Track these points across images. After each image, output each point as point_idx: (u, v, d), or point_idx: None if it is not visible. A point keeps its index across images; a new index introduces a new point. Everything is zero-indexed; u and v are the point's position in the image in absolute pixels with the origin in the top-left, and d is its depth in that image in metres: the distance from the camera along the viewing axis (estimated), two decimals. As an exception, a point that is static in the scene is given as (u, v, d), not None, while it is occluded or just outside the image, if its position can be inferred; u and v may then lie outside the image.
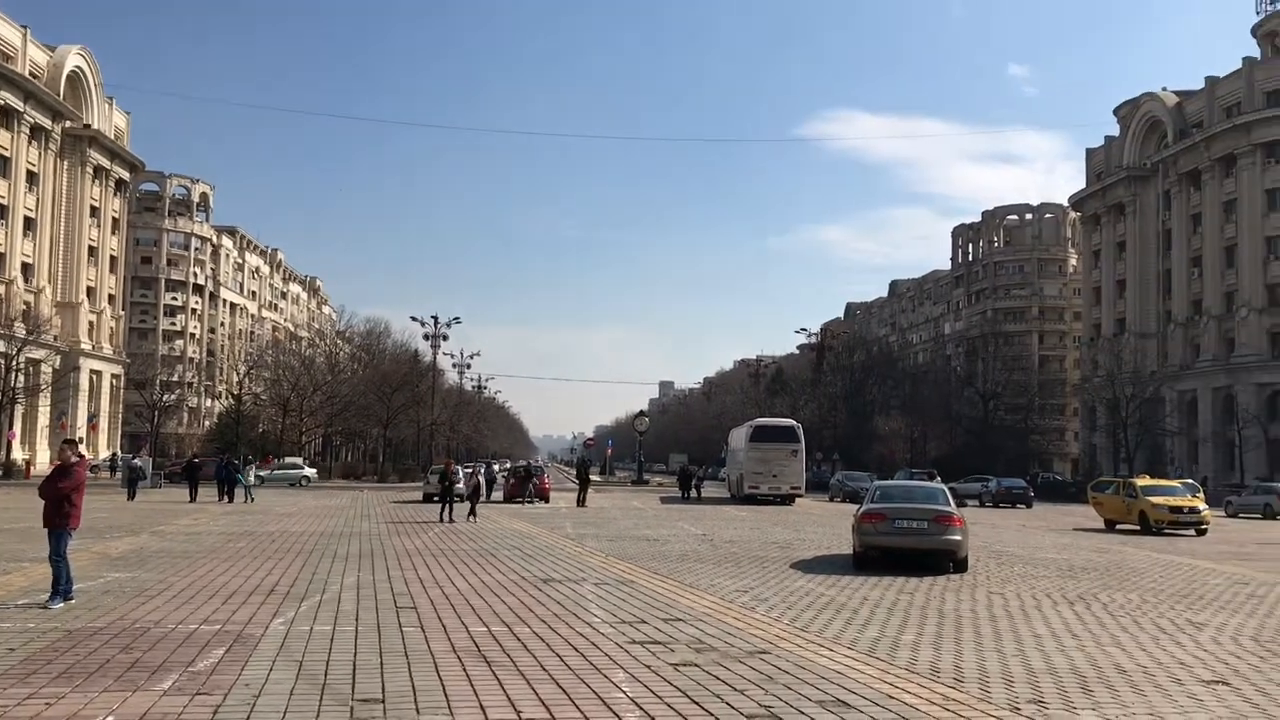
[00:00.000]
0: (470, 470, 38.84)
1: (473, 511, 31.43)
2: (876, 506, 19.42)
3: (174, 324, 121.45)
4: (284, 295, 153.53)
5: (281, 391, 78.90)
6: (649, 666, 9.48)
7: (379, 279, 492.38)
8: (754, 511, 40.28)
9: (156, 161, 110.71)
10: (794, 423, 51.77)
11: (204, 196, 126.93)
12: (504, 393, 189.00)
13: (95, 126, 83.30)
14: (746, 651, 10.31)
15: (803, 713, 7.89)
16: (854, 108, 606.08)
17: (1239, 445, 70.82)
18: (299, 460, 68.30)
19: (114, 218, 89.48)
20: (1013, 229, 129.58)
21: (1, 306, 68.42)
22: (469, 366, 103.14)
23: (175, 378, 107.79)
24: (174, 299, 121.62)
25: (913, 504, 19.51)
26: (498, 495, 46.06)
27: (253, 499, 41.35)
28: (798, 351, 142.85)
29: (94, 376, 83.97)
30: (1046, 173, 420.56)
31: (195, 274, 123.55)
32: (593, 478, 53.04)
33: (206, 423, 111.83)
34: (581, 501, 42.40)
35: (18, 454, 68.99)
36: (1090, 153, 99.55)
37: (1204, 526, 32.17)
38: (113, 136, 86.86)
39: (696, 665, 9.56)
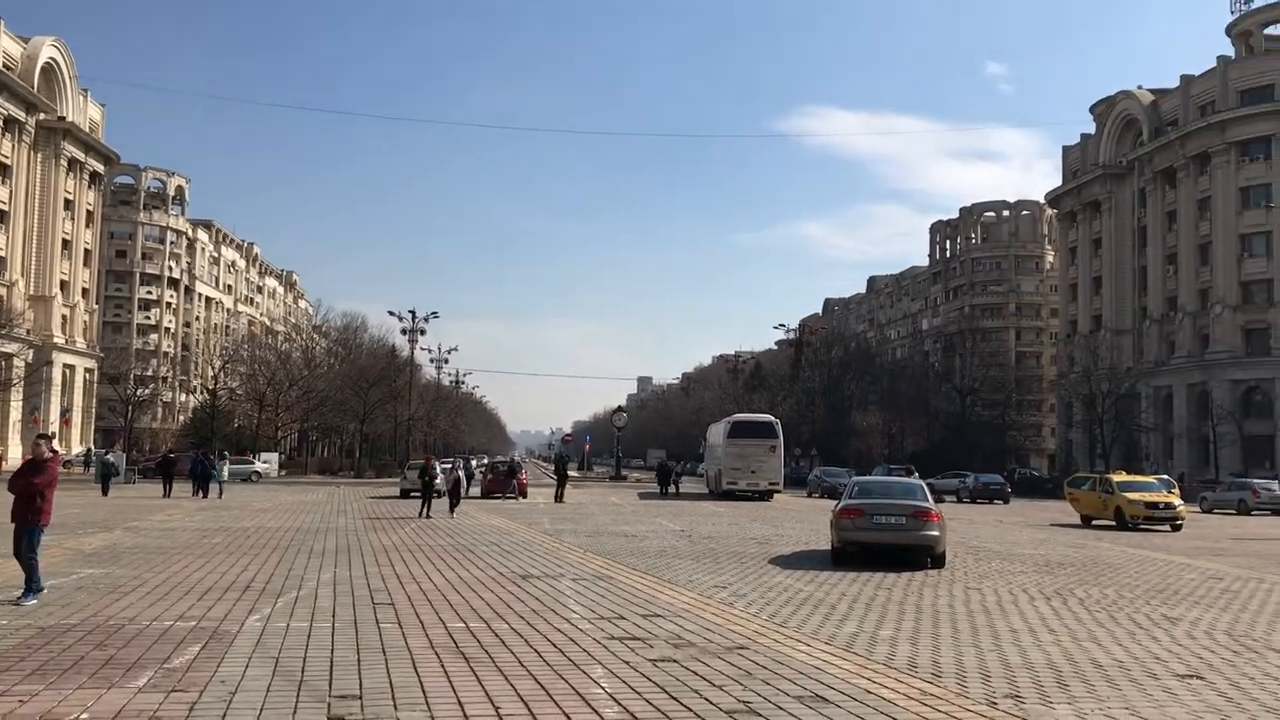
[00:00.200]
0: (450, 466, 38.76)
1: (454, 507, 31.33)
2: (855, 502, 19.47)
3: (149, 318, 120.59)
4: (260, 289, 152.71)
5: (257, 386, 78.48)
6: (627, 662, 9.48)
7: (356, 273, 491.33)
8: (732, 507, 40.34)
9: (131, 154, 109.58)
10: (772, 418, 51.87)
11: (179, 190, 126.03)
12: (481, 388, 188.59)
13: (70, 119, 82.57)
14: (725, 647, 10.32)
15: (781, 708, 7.91)
16: (833, 104, 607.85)
17: (1214, 441, 71.44)
18: (253, 455, 67.52)
19: (88, 211, 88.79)
20: (990, 226, 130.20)
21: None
22: (446, 361, 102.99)
23: (150, 372, 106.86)
24: (149, 293, 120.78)
25: (891, 499, 19.57)
26: (475, 491, 45.98)
27: (221, 494, 41.16)
28: (776, 347, 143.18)
29: (67, 371, 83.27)
30: (1024, 170, 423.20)
31: (170, 268, 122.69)
32: (571, 473, 52.97)
33: (181, 418, 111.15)
34: (559, 497, 42.38)
35: (-10, 449, 68.39)
36: (1066, 150, 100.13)
37: (1179, 522, 32.39)
38: (87, 129, 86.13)
39: (675, 661, 9.56)
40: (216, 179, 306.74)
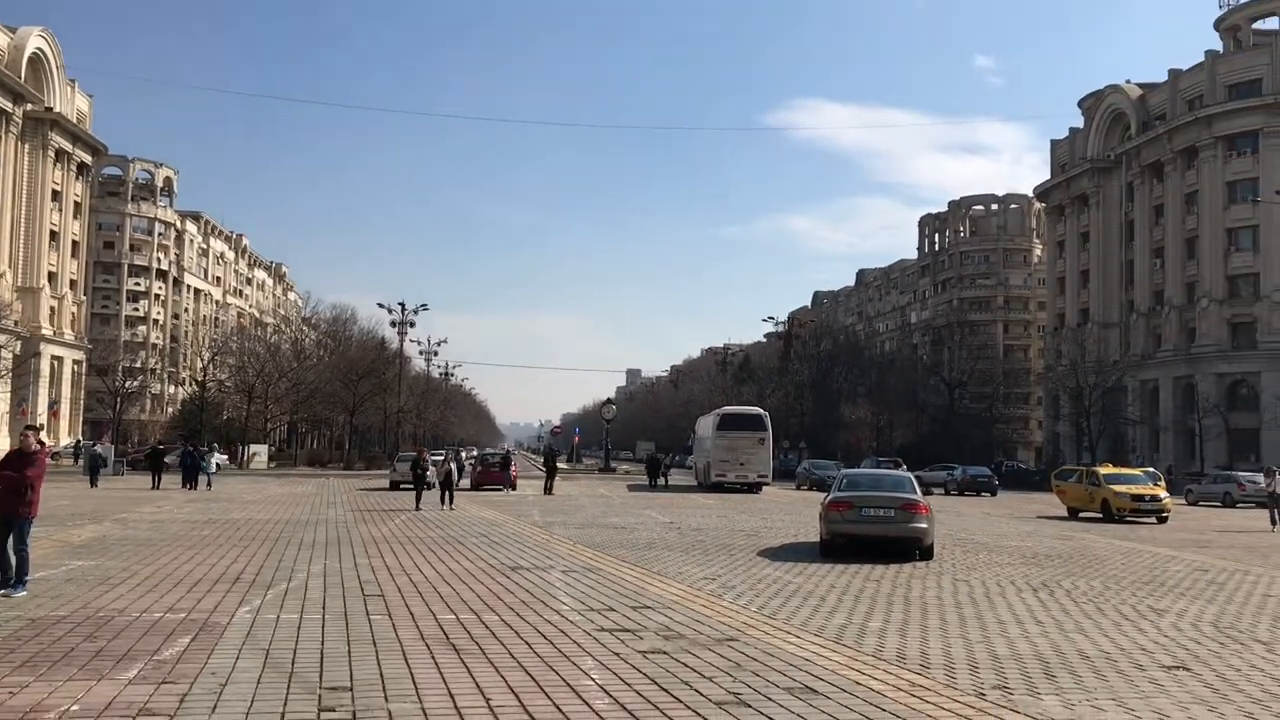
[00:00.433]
0: (442, 458, 38.76)
1: (448, 499, 31.24)
2: (844, 495, 19.52)
3: (137, 310, 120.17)
4: (249, 281, 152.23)
5: (246, 378, 78.31)
6: (617, 654, 9.50)
7: (345, 265, 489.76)
8: (721, 499, 40.40)
9: (119, 145, 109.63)
10: (761, 411, 51.95)
11: (167, 181, 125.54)
12: (471, 380, 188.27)
13: (57, 110, 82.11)
14: (715, 639, 10.35)
15: (771, 699, 7.93)
16: (820, 97, 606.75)
17: (1199, 434, 71.71)
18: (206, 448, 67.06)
19: (76, 202, 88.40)
20: (979, 219, 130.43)
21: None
22: (436, 353, 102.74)
23: (138, 364, 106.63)
24: (137, 284, 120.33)
25: (880, 492, 19.63)
26: (464, 483, 45.95)
27: (210, 486, 41.12)
28: (765, 340, 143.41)
29: (55, 362, 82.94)
30: (1012, 164, 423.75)
31: (159, 259, 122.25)
32: (560, 465, 53.02)
33: (170, 410, 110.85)
34: (549, 489, 42.42)
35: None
36: (1055, 144, 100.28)
37: (1165, 514, 32.56)
38: (75, 120, 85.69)
39: (665, 652, 9.58)
40: (200, 171, 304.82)
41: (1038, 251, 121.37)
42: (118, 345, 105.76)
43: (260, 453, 73.27)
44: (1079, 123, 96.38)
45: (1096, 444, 74.97)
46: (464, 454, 71.24)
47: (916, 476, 23.39)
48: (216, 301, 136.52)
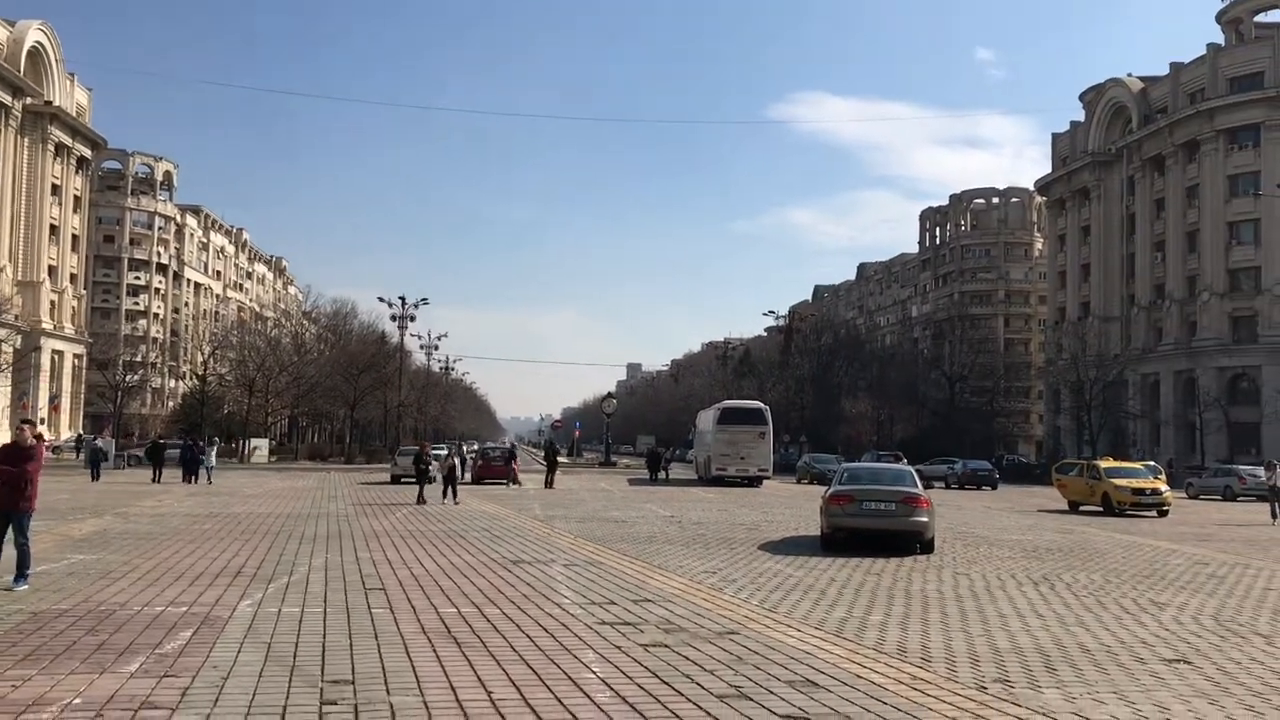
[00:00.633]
0: (446, 452, 38.83)
1: (453, 493, 31.24)
2: (844, 488, 19.52)
3: (137, 304, 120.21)
4: (249, 275, 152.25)
5: (247, 372, 78.25)
6: (619, 647, 9.52)
7: (345, 262, 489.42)
8: (722, 493, 40.43)
9: (119, 139, 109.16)
10: (761, 405, 51.92)
11: (167, 175, 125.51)
12: (471, 374, 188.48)
13: (56, 103, 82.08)
14: (716, 632, 10.36)
15: (772, 692, 7.95)
16: (821, 90, 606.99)
17: (1200, 428, 71.76)
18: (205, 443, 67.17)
19: (75, 196, 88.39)
20: (979, 213, 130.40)
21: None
22: (436, 348, 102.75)
23: (139, 358, 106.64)
24: (137, 278, 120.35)
25: (880, 486, 19.63)
26: (465, 477, 45.97)
27: (210, 480, 41.17)
28: (765, 334, 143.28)
29: (56, 357, 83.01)
30: (1014, 157, 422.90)
31: (159, 253, 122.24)
32: (560, 459, 53.02)
33: (170, 404, 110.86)
34: (549, 483, 42.42)
35: (-22, 435, 68.15)
36: (1056, 138, 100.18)
37: (1165, 508, 32.55)
38: (74, 113, 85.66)
39: (666, 646, 9.60)
40: (200, 167, 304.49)
41: (1039, 245, 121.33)
42: (118, 339, 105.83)
43: (261, 447, 73.26)
44: (1080, 116, 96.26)
45: (1097, 438, 74.98)
46: (465, 448, 71.30)
47: (917, 470, 23.38)
48: (217, 295, 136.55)
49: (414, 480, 33.57)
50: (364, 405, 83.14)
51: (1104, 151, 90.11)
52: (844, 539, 18.88)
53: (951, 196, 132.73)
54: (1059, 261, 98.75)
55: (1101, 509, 33.14)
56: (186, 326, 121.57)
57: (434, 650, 9.24)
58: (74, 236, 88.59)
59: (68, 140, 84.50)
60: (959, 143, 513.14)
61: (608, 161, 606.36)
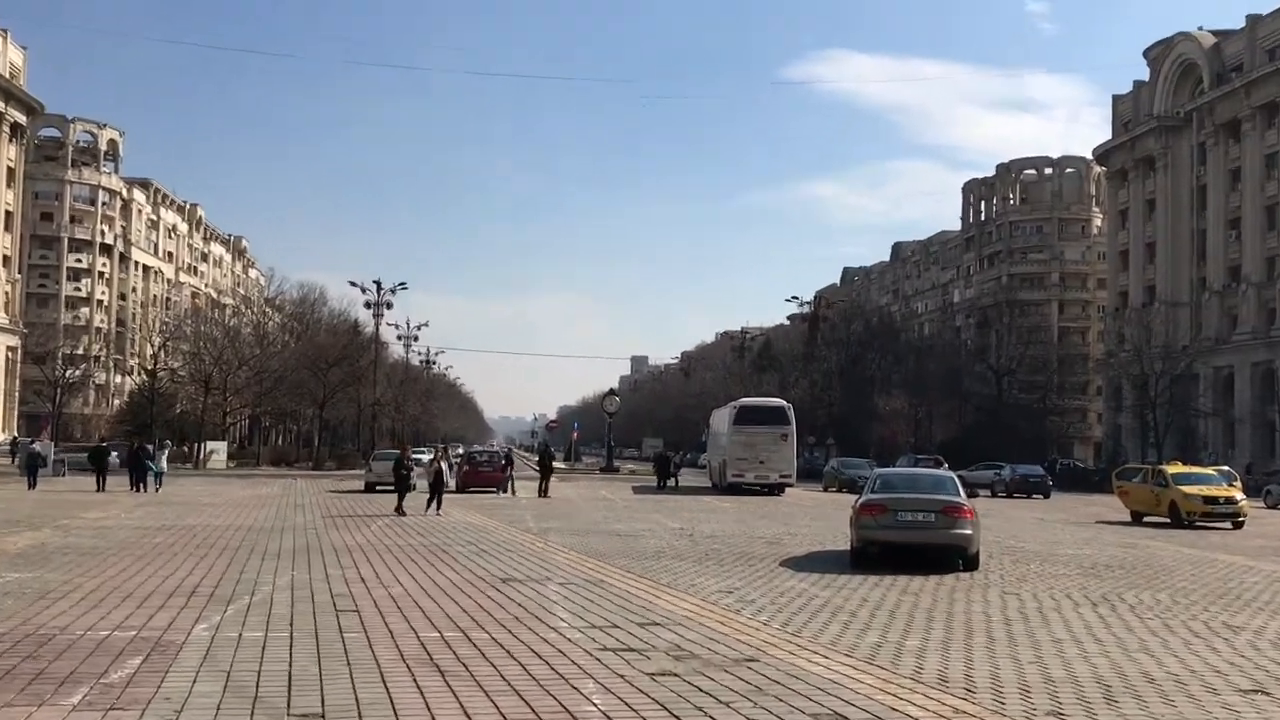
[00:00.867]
0: (431, 457, 38.93)
1: (437, 502, 31.27)
2: (877, 497, 19.56)
3: (79, 289, 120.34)
4: (205, 257, 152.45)
5: (202, 367, 78.38)
6: (622, 676, 9.53)
7: (314, 240, 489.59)
8: (739, 503, 40.49)
9: (58, 104, 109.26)
10: (783, 403, 51.96)
11: (112, 144, 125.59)
12: (455, 368, 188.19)
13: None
14: (732, 659, 10.38)
15: (796, 727, 7.96)
16: (849, 47, 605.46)
17: (1280, 428, 71.73)
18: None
19: (9, 167, 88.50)
20: (1030, 185, 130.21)
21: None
22: (416, 339, 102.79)
23: (80, 350, 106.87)
24: (78, 261, 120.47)
25: (918, 494, 19.67)
26: (450, 484, 46.04)
27: (159, 487, 41.27)
28: (788, 322, 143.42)
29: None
30: (1068, 122, 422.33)
31: (103, 232, 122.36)
32: (556, 465, 53.12)
33: (116, 402, 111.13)
34: (544, 491, 42.51)
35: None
36: (1117, 100, 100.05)
37: (1241, 519, 32.52)
38: (7, 75, 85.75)
39: (676, 675, 9.62)
40: (152, 134, 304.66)
41: (1097, 222, 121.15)
42: (57, 329, 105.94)
43: (218, 450, 73.46)
44: (1144, 75, 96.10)
45: (1163, 439, 74.94)
46: (452, 451, 71.47)
47: (959, 476, 23.41)
48: (168, 280, 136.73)
49: (392, 488, 33.63)
50: (334, 404, 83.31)
51: (1171, 115, 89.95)
52: (877, 554, 18.91)
53: (998, 166, 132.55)
54: (1120, 240, 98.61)
55: (1168, 520, 33.12)
56: (134, 315, 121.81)
57: (414, 680, 9.26)
58: (7, 213, 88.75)
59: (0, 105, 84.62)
60: (1006, 106, 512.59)
61: (607, 129, 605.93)
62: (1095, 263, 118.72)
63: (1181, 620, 13.70)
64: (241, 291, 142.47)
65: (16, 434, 79.66)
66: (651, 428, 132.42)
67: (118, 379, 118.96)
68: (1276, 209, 78.39)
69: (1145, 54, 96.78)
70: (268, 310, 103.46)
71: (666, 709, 8.40)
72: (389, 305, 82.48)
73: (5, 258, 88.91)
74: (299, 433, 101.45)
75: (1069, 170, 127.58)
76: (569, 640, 11.24)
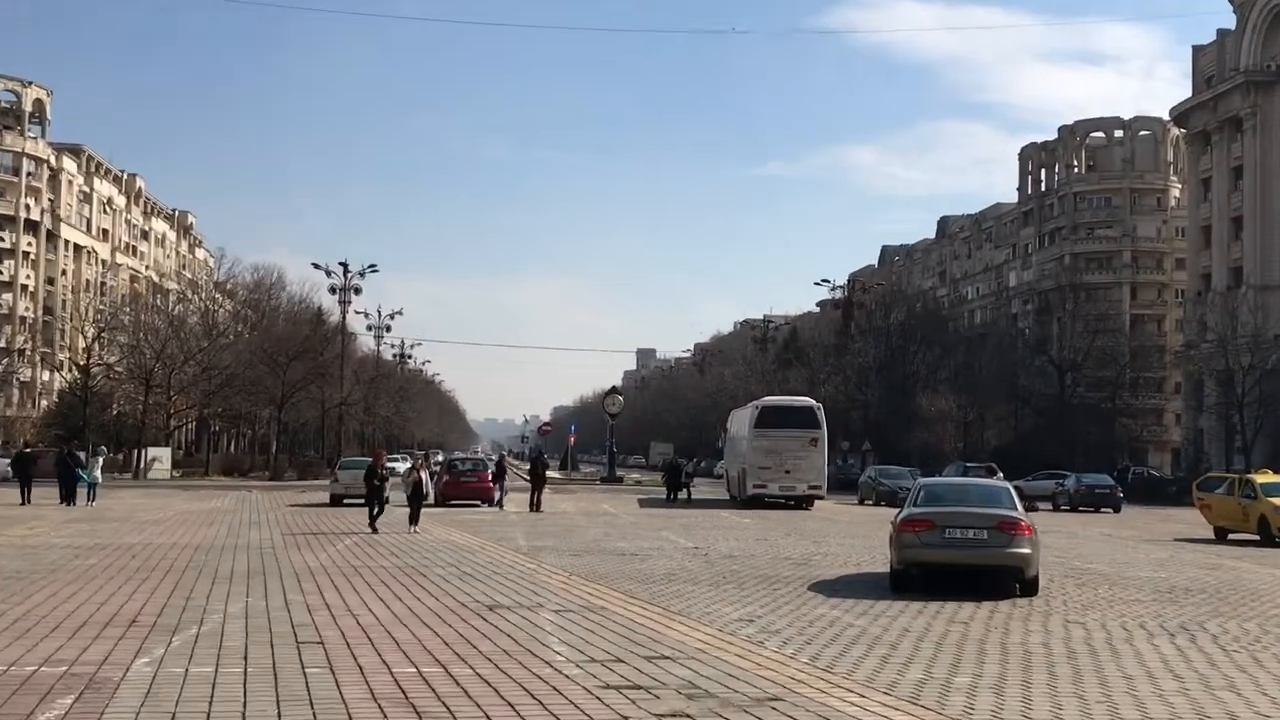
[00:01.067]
0: (409, 466, 39.05)
1: (414, 517, 31.34)
2: (921, 511, 19.57)
3: (0, 273, 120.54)
4: (145, 235, 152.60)
5: (143, 361, 78.59)
6: (627, 718, 9.55)
7: (270, 215, 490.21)
8: (761, 518, 40.52)
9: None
10: (813, 402, 51.98)
11: (39, 104, 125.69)
12: (434, 363, 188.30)
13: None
14: (753, 698, 10.39)
15: (827, 777, 7.98)
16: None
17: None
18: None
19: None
20: (1098, 150, 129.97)
21: None
22: (388, 329, 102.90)
23: (2, 344, 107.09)
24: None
25: (968, 508, 19.67)
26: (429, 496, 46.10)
27: (93, 500, 41.38)
28: (817, 310, 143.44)
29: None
30: (1143, 77, 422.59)
31: (27, 206, 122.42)
32: (551, 474, 53.19)
33: (44, 402, 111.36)
34: (536, 505, 42.54)
35: None
36: (1198, 51, 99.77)
37: (1342, 536, 32.50)
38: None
39: (689, 716, 9.64)
40: (84, 95, 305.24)
41: (1175, 192, 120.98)
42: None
43: (161, 458, 73.66)
44: (1230, 23, 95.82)
45: (1252, 444, 74.85)
46: (434, 459, 71.65)
47: (1016, 487, 23.41)
48: (103, 261, 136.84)
49: (362, 501, 33.68)
50: (295, 404, 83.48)
51: (1262, 69, 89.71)
52: (921, 577, 18.92)
53: (1061, 129, 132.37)
54: (1202, 213, 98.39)
55: (1258, 537, 33.08)
56: (64, 301, 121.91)
57: (387, 722, 9.28)
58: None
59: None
60: (1071, 58, 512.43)
61: (605, 84, 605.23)
62: (1173, 240, 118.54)
63: (1273, 654, 13.69)
64: (188, 275, 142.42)
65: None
66: (660, 432, 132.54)
67: (45, 376, 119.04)
68: (1383, 178, 78.28)
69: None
70: (218, 296, 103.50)
71: (678, 756, 8.42)
72: (357, 291, 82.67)
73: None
74: (254, 438, 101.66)
75: (1143, 133, 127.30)
76: (565, 677, 11.25)
